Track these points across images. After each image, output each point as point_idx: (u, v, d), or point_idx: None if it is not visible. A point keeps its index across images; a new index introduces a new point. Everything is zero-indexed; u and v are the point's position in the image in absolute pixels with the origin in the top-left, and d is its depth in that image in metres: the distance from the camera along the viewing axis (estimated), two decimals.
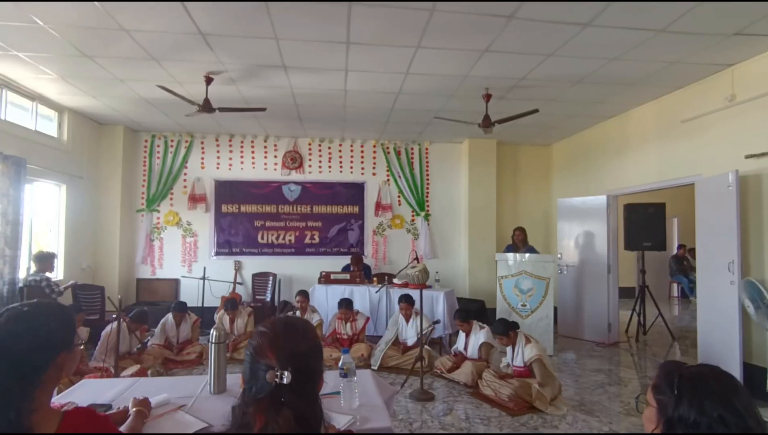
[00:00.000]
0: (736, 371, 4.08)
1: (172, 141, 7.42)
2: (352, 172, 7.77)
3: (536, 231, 7.73)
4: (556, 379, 4.01)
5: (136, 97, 5.55)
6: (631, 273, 9.84)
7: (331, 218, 7.69)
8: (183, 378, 2.39)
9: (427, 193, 7.87)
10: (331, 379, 1.88)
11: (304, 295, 5.51)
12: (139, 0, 3.30)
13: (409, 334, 5.14)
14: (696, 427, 0.99)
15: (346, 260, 7.05)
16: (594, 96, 5.42)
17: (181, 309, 5.31)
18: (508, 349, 4.20)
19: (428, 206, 7.85)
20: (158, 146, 7.42)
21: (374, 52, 4.21)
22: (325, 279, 6.34)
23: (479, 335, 4.63)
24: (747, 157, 4.17)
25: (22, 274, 5.03)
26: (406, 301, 5.16)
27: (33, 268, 5.02)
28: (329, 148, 7.74)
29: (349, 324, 5.37)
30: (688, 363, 1.13)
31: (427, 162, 7.90)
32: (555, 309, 6.28)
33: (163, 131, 7.35)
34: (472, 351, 4.62)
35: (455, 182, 7.89)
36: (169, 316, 5.31)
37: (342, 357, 1.82)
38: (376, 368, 4.91)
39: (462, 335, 4.83)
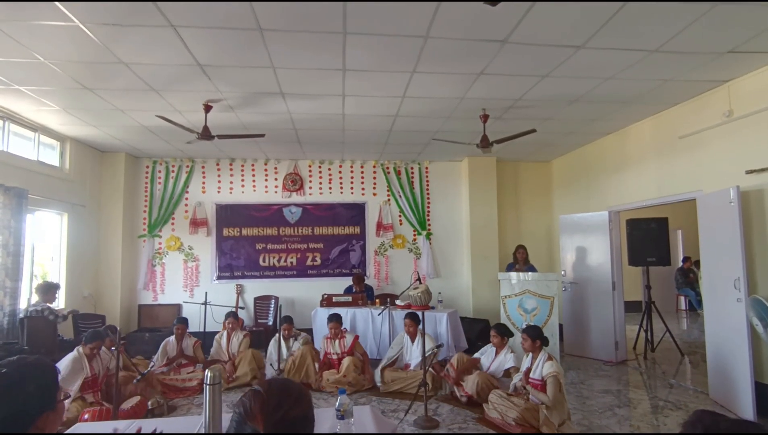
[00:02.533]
0: (748, 391, 3.99)
1: (173, 166, 7.48)
2: (352, 193, 7.78)
3: (539, 248, 7.69)
4: (566, 404, 3.92)
5: (137, 125, 5.61)
6: (637, 287, 9.73)
7: (333, 239, 7.68)
8: (179, 419, 2.35)
9: (428, 212, 7.87)
10: (327, 419, 1.84)
11: (288, 321, 5.45)
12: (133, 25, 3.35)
13: (414, 355, 5.07)
14: None
15: (349, 281, 7.01)
16: (591, 114, 5.43)
17: (183, 321, 5.33)
18: (526, 359, 4.12)
19: (429, 225, 7.83)
20: (159, 172, 7.47)
21: (371, 77, 4.25)
22: (327, 302, 6.29)
23: (508, 357, 4.54)
24: (747, 172, 4.15)
25: (23, 305, 5.03)
26: (411, 318, 5.11)
27: (36, 299, 5.03)
28: (329, 169, 7.78)
29: (337, 342, 5.24)
30: (723, 416, 1.03)
31: (428, 181, 7.91)
32: (560, 327, 6.21)
33: (164, 157, 7.40)
34: (496, 369, 4.54)
35: (456, 201, 7.88)
36: (171, 338, 5.29)
37: (339, 398, 1.78)
38: (379, 385, 4.87)
39: (491, 350, 4.72)
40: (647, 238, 6.51)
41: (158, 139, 6.24)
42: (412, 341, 5.13)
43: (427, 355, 4.46)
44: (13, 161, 5.19)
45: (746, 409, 4.01)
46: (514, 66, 4.02)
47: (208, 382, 1.80)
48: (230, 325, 5.53)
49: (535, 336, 4.08)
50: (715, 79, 4.40)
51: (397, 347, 5.24)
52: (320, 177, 7.74)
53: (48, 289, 5.06)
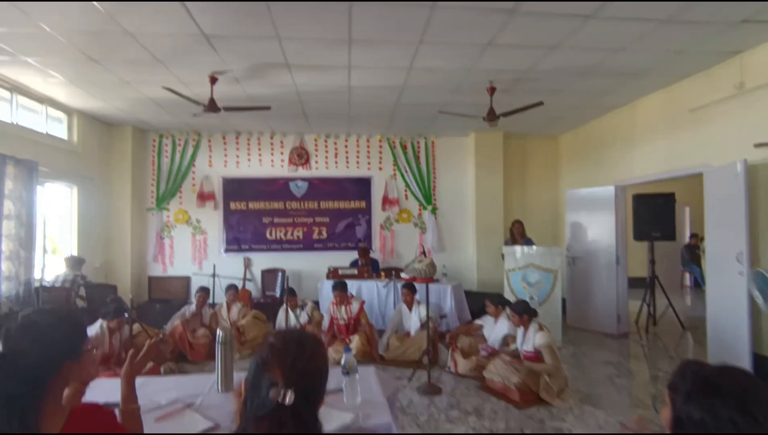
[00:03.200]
0: (746, 362, 4.06)
1: (179, 140, 7.51)
2: (358, 167, 7.79)
3: (544, 223, 7.70)
4: (563, 372, 4.02)
5: (144, 98, 5.62)
6: (642, 263, 9.75)
7: (339, 213, 7.74)
8: (192, 377, 2.46)
9: (434, 186, 7.87)
10: (333, 376, 1.92)
11: (291, 294, 5.49)
12: (141, 0, 3.34)
13: (412, 321, 5.17)
14: (703, 426, 0.97)
15: (354, 255, 7.10)
16: (600, 87, 5.36)
17: (205, 290, 5.51)
18: (519, 332, 4.21)
19: (435, 200, 7.85)
20: (166, 145, 7.51)
21: (377, 48, 4.22)
22: (333, 275, 6.39)
23: (503, 325, 4.61)
24: (756, 145, 4.11)
25: (37, 275, 5.17)
26: (408, 287, 5.21)
27: (65, 270, 5.57)
28: (335, 143, 7.77)
29: (344, 308, 5.33)
30: (710, 363, 1.09)
31: (434, 156, 7.89)
32: (563, 300, 6.29)
33: (171, 130, 7.43)
34: (495, 339, 4.63)
35: (462, 175, 7.88)
36: (191, 306, 5.48)
37: (344, 356, 1.86)
38: (383, 353, 5.01)
39: (489, 321, 4.81)
40: (653, 213, 6.50)
41: (165, 112, 6.25)
42: (410, 310, 5.23)
43: (422, 322, 4.56)
44: (22, 133, 5.25)
45: None
46: (522, 37, 3.96)
47: (219, 341, 1.88)
48: (230, 298, 5.67)
49: (521, 310, 4.15)
50: (727, 51, 4.32)
51: (397, 317, 5.35)
52: (326, 151, 7.75)
53: (78, 262, 5.66)
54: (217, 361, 1.88)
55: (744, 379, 1.02)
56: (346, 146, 7.79)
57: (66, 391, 1.17)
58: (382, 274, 6.63)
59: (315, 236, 7.68)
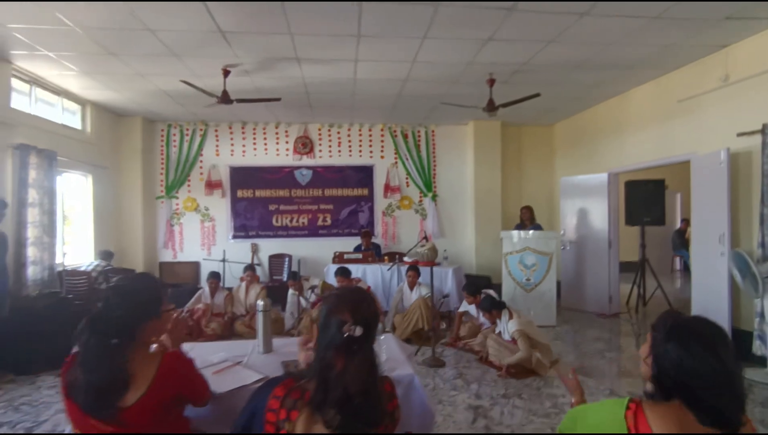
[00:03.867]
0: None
1: (187, 130, 7.72)
2: (360, 156, 8.04)
3: (540, 209, 7.97)
4: (549, 346, 4.32)
5: (156, 89, 5.83)
6: (634, 248, 10.09)
7: (342, 200, 8.01)
8: (234, 342, 2.76)
9: (434, 174, 8.14)
10: None
11: (294, 278, 5.71)
12: (165, 0, 3.55)
13: (413, 298, 5.48)
14: (678, 361, 1.21)
15: (358, 241, 7.38)
16: (594, 78, 5.62)
17: (215, 276, 5.72)
18: (499, 323, 4.50)
19: (435, 187, 8.12)
20: (174, 135, 7.72)
21: (383, 43, 4.45)
22: (339, 259, 6.68)
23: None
24: (739, 135, 4.40)
25: (58, 260, 5.43)
26: (413, 269, 5.53)
27: (98, 260, 6.12)
28: (338, 132, 8.00)
29: None
30: (686, 315, 1.35)
31: (434, 144, 8.14)
32: (558, 283, 6.62)
33: (179, 120, 7.63)
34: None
35: (461, 163, 8.14)
36: (206, 290, 5.72)
37: None
38: (389, 331, 5.34)
39: (472, 308, 5.13)
40: (644, 198, 6.81)
41: (174, 103, 6.46)
42: (411, 289, 5.54)
43: (425, 297, 4.91)
44: (41, 124, 5.46)
45: None
46: (520, 32, 4.21)
47: (260, 309, 2.16)
48: (249, 278, 5.92)
49: (488, 307, 4.47)
50: (713, 44, 4.58)
51: (398, 296, 5.67)
52: (330, 140, 7.98)
53: (108, 255, 6.22)
54: (259, 326, 2.17)
55: (714, 328, 1.27)
56: (349, 135, 8.03)
57: (162, 340, 1.45)
58: (386, 258, 6.92)
59: (320, 223, 7.95)
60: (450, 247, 7.59)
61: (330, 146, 7.99)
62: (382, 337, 2.10)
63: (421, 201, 8.13)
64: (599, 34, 4.27)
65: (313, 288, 5.52)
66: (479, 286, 4.65)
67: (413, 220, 8.13)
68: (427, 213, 8.10)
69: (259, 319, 2.16)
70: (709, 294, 4.71)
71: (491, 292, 4.99)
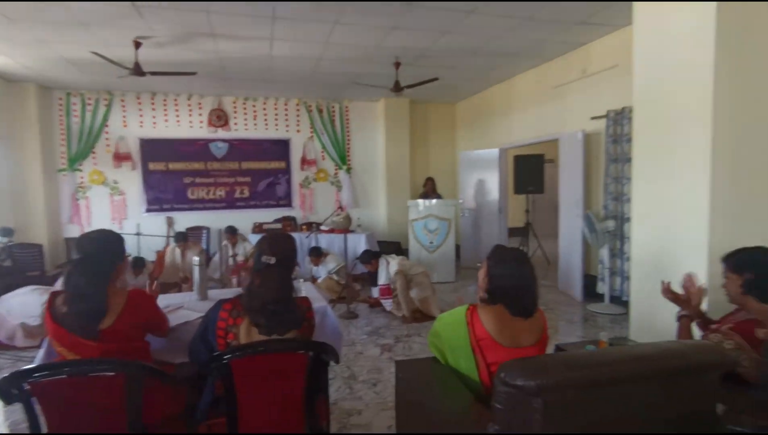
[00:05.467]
0: (578, 279, 5.56)
1: (89, 99, 7.38)
2: (277, 129, 8.27)
3: (444, 180, 8.88)
4: (426, 283, 5.10)
5: (58, 57, 5.59)
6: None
7: (260, 173, 8.23)
8: (173, 294, 3.11)
9: (348, 148, 8.64)
10: None
11: (231, 232, 6.24)
12: None
13: (321, 273, 6.04)
14: (500, 274, 1.91)
15: (277, 212, 7.73)
16: (485, 64, 6.42)
17: (138, 264, 5.70)
18: (380, 271, 5.22)
19: (350, 160, 8.64)
20: (75, 105, 7.35)
21: (298, 24, 4.78)
22: (259, 229, 7.01)
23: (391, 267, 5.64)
24: (591, 118, 5.44)
25: None
26: (312, 254, 6.04)
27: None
28: (254, 106, 8.14)
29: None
30: (511, 248, 2.08)
31: (348, 119, 8.61)
32: (458, 245, 7.55)
33: (79, 89, 7.27)
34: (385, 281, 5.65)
35: (373, 138, 8.72)
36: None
37: None
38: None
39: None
40: (528, 170, 7.94)
41: (74, 69, 6.20)
42: (316, 265, 6.06)
43: (329, 272, 5.54)
44: None
45: (577, 293, 5.59)
46: (420, 23, 4.77)
47: (196, 263, 2.57)
48: (182, 247, 6.01)
49: (368, 259, 5.26)
50: (575, 42, 5.54)
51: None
52: (245, 113, 8.10)
53: (9, 231, 5.97)
54: (195, 277, 2.57)
55: (520, 252, 2.02)
56: (264, 109, 8.20)
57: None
58: (303, 227, 7.37)
59: (237, 195, 8.13)
60: (364, 216, 8.23)
61: (246, 119, 8.11)
62: (303, 284, 2.62)
63: (336, 173, 8.62)
64: (485, 28, 4.99)
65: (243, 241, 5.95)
66: (373, 253, 5.32)
67: (329, 191, 8.61)
68: (342, 185, 8.62)
69: (195, 271, 2.56)
70: (570, 247, 5.83)
71: (393, 256, 5.66)
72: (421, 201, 7.04)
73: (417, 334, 4.47)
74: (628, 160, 4.56)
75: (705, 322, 2.33)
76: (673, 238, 3.22)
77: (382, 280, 5.06)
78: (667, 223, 3.28)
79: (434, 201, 6.98)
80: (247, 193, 8.18)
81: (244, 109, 8.10)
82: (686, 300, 2.34)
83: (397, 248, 7.70)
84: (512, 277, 1.93)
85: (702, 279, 2.52)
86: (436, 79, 5.95)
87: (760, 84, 2.98)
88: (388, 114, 8.42)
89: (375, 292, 5.43)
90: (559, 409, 1.37)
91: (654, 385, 1.49)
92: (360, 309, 5.42)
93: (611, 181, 5.12)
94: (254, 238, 6.88)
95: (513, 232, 8.11)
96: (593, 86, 5.57)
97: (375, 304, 5.41)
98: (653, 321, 3.34)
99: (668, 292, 2.41)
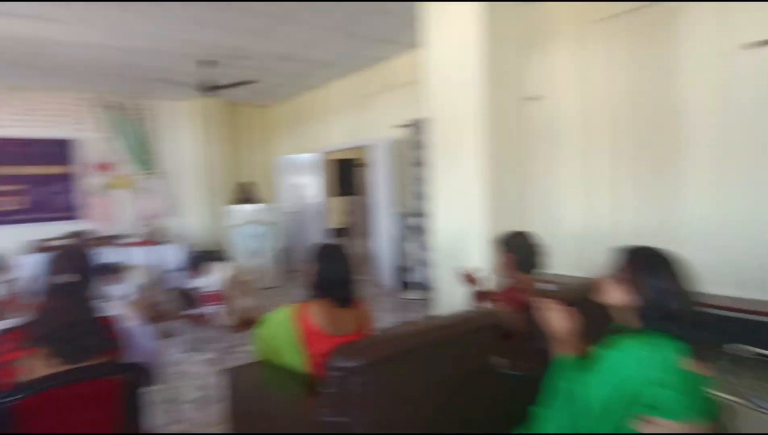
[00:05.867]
0: (392, 271, 6.18)
1: None
2: (61, 128, 6.96)
3: (266, 183, 8.76)
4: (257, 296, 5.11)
5: None
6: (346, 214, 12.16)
7: (37, 180, 6.80)
8: None
9: (157, 151, 7.80)
10: None
11: None
12: None
13: (126, 291, 5.40)
14: (324, 268, 2.10)
15: (64, 226, 6.52)
16: (300, 70, 6.56)
17: None
18: (205, 276, 5.04)
19: (158, 164, 7.81)
20: None
21: (74, 4, 4.11)
22: (44, 248, 5.82)
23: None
24: (392, 127, 6.08)
25: None
26: (108, 271, 5.32)
27: None
28: (25, 98, 6.69)
29: None
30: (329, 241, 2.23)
31: (157, 120, 7.77)
32: (283, 250, 7.56)
33: None
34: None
35: (186, 140, 8.05)
36: None
37: None
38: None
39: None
40: (344, 174, 8.45)
41: None
42: (117, 283, 5.41)
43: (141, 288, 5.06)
44: None
45: (393, 284, 6.22)
46: (234, 21, 4.63)
47: None
48: None
49: (194, 266, 5.14)
50: (381, 56, 6.12)
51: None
52: (13, 108, 6.60)
53: None
54: None
55: (338, 248, 2.21)
56: (42, 104, 6.81)
57: None
58: (102, 241, 6.39)
59: (6, 208, 6.56)
60: (178, 225, 7.55)
61: (14, 115, 6.61)
62: (111, 304, 2.33)
63: (142, 179, 7.68)
64: (298, 36, 5.13)
65: None
66: (196, 260, 5.04)
67: (133, 199, 7.64)
68: (151, 191, 7.74)
69: None
70: (384, 243, 6.43)
71: (219, 262, 5.41)
72: (240, 206, 6.84)
73: (245, 344, 4.35)
74: (427, 164, 5.28)
75: (483, 294, 2.89)
76: (461, 229, 3.88)
77: (209, 287, 4.76)
78: (456, 216, 3.93)
79: (255, 206, 6.86)
80: (16, 205, 6.67)
81: (12, 102, 6.59)
82: (475, 282, 2.89)
83: (219, 256, 7.28)
84: (334, 271, 2.13)
85: (481, 262, 3.13)
86: (252, 81, 5.86)
87: (511, 101, 3.83)
88: (205, 116, 7.91)
89: (199, 306, 5.07)
90: (380, 383, 1.58)
91: (452, 346, 1.83)
92: (181, 326, 4.99)
93: (415, 182, 5.84)
94: (34, 260, 5.69)
95: (336, 232, 8.51)
96: (398, 97, 6.23)
97: (198, 320, 5.05)
98: (453, 300, 3.96)
99: (463, 278, 2.92)
